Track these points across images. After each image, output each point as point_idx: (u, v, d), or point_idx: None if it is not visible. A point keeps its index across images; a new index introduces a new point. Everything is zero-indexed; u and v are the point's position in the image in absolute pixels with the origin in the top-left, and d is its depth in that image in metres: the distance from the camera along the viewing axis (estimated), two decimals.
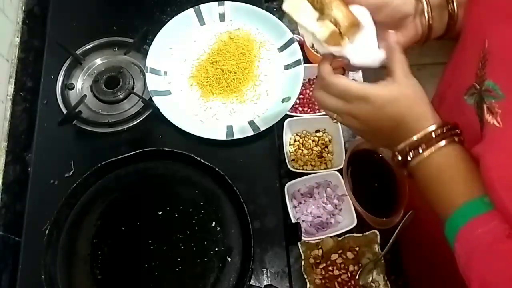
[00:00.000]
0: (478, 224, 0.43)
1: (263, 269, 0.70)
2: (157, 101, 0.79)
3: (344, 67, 0.56)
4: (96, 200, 0.72)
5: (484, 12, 0.48)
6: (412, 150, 0.48)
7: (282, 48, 0.87)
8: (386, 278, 0.72)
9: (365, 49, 0.52)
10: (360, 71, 0.91)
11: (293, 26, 0.94)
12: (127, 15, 0.90)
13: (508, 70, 0.43)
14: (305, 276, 0.70)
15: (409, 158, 0.49)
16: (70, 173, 0.76)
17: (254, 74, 0.85)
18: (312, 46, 0.84)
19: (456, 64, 0.60)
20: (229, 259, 0.68)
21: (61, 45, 0.82)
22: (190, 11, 0.88)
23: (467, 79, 0.50)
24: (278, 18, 0.88)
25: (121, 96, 0.82)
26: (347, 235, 0.74)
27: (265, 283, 0.70)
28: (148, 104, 0.80)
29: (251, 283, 0.68)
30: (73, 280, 0.67)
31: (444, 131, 0.48)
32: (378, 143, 0.66)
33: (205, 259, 0.68)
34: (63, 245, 0.68)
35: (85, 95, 0.82)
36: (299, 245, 0.72)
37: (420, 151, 0.48)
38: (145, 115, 0.81)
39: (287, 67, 0.85)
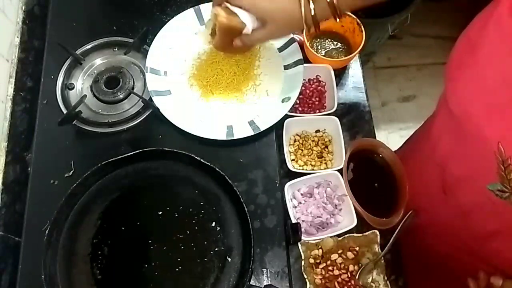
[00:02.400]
0: None
1: (263, 269, 0.70)
2: (157, 101, 0.79)
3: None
4: (96, 200, 0.72)
5: (486, 113, 0.51)
6: None
7: (282, 48, 0.87)
8: (386, 278, 0.72)
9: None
10: (360, 72, 0.91)
11: None
12: (127, 15, 0.90)
13: None
14: (305, 276, 0.70)
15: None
16: (70, 173, 0.76)
17: (254, 74, 0.85)
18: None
19: (453, 150, 0.64)
20: (229, 259, 0.68)
21: (61, 45, 0.82)
22: (190, 11, 0.88)
23: (480, 170, 0.56)
24: None
25: (121, 96, 0.82)
26: (347, 235, 0.74)
27: (265, 283, 0.70)
28: (148, 104, 0.80)
29: (251, 283, 0.68)
30: (73, 280, 0.67)
31: None
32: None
33: (205, 259, 0.68)
34: (63, 245, 0.68)
35: (85, 95, 0.82)
36: (299, 245, 0.72)
37: None
38: (145, 115, 0.81)
39: (287, 67, 0.85)
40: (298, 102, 0.86)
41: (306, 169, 0.79)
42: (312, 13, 0.62)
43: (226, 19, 0.67)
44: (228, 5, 0.67)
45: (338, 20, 0.63)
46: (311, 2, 0.62)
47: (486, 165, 0.52)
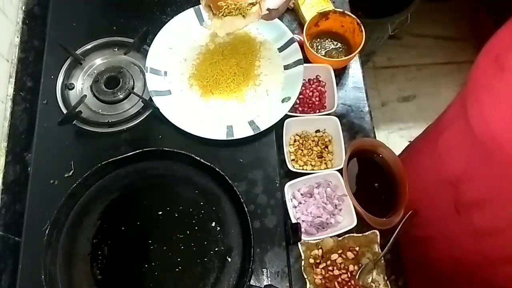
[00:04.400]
0: None
1: (263, 269, 0.70)
2: (157, 101, 0.79)
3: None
4: (96, 200, 0.72)
5: None
6: None
7: (282, 48, 0.87)
8: (386, 278, 0.72)
9: None
10: (360, 72, 0.91)
11: (293, 26, 0.95)
12: (127, 15, 0.90)
13: None
14: (305, 276, 0.70)
15: None
16: (70, 173, 0.76)
17: (254, 74, 0.85)
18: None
19: (470, 171, 0.61)
20: (229, 259, 0.68)
21: (61, 45, 0.82)
22: (190, 11, 0.88)
23: (504, 195, 0.55)
24: (278, 18, 0.88)
25: (121, 96, 0.82)
26: (347, 235, 0.74)
27: (265, 283, 0.70)
28: (148, 104, 0.80)
29: (251, 283, 0.68)
30: (73, 280, 0.67)
31: None
32: None
33: (205, 259, 0.68)
34: (63, 245, 0.68)
35: (85, 95, 0.82)
36: (299, 245, 0.72)
37: None
38: (145, 115, 0.81)
39: (287, 67, 0.85)
40: (298, 102, 0.86)
41: (306, 169, 0.79)
42: None
43: None
44: None
45: None
46: None
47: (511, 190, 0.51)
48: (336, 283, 0.70)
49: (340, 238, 0.73)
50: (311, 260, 0.72)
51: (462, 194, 0.63)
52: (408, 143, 0.95)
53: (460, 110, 0.61)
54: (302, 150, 0.82)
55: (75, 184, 0.69)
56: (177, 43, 0.86)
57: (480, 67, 0.55)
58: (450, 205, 0.66)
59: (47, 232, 0.66)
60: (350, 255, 0.72)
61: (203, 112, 0.82)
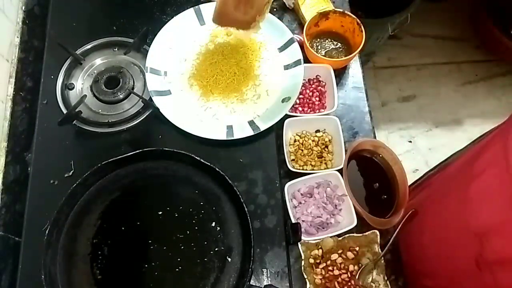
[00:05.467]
0: None
1: (263, 269, 0.70)
2: (157, 101, 0.79)
3: None
4: (96, 200, 0.72)
5: None
6: None
7: (282, 48, 0.87)
8: (386, 278, 0.72)
9: None
10: (360, 72, 0.92)
11: (293, 26, 0.95)
12: (127, 15, 0.90)
13: None
14: (305, 276, 0.70)
15: None
16: (70, 173, 0.76)
17: (254, 74, 0.85)
18: None
19: (502, 225, 0.54)
20: (229, 259, 0.68)
21: (61, 45, 0.82)
22: (190, 11, 0.88)
23: None
24: (278, 18, 0.89)
25: (121, 96, 0.82)
26: (347, 235, 0.74)
27: (265, 283, 0.70)
28: (148, 104, 0.80)
29: (251, 283, 0.68)
30: (73, 280, 0.67)
31: None
32: None
33: (205, 259, 0.68)
34: (63, 245, 0.68)
35: (85, 95, 0.82)
36: (299, 245, 0.72)
37: None
38: (145, 115, 0.81)
39: (287, 67, 0.85)
40: (298, 102, 0.86)
41: (306, 169, 0.79)
42: None
43: None
44: None
45: None
46: None
47: None
48: (336, 283, 0.70)
49: (340, 238, 0.73)
50: (311, 260, 0.72)
51: (487, 249, 0.57)
52: (409, 143, 0.93)
53: (500, 151, 0.54)
54: (302, 150, 0.82)
55: (75, 184, 0.69)
56: (177, 43, 0.86)
57: None
58: (471, 260, 0.59)
59: (47, 232, 0.66)
60: (350, 255, 0.72)
61: (203, 112, 0.82)
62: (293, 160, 0.81)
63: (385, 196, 0.79)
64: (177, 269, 0.67)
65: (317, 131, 0.84)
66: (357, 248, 0.73)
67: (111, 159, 0.72)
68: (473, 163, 0.64)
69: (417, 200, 0.81)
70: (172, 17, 0.87)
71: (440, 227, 0.69)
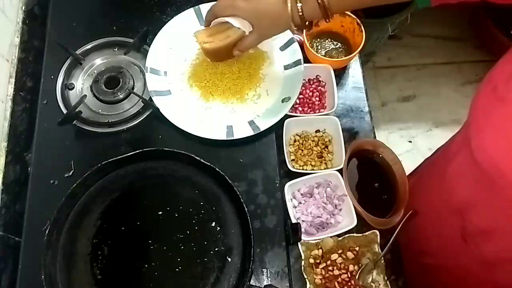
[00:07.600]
0: None
1: (263, 269, 0.70)
2: (157, 101, 0.79)
3: None
4: (96, 200, 0.72)
5: None
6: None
7: (282, 48, 0.87)
8: (386, 278, 0.72)
9: None
10: (360, 72, 0.91)
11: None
12: (127, 15, 0.90)
13: None
14: (305, 276, 0.70)
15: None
16: (70, 173, 0.76)
17: (259, 76, 0.85)
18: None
19: (475, 200, 0.60)
20: (229, 259, 0.68)
21: (61, 45, 0.82)
22: (190, 11, 0.88)
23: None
24: None
25: (121, 96, 0.82)
26: (347, 235, 0.74)
27: (265, 283, 0.70)
28: (148, 104, 0.80)
29: (251, 283, 0.68)
30: (73, 280, 0.67)
31: None
32: (266, 27, 0.69)
33: (205, 259, 0.68)
34: (63, 245, 0.68)
35: (85, 95, 0.82)
36: (299, 245, 0.72)
37: None
38: (145, 115, 0.81)
39: (287, 67, 0.85)
40: (298, 102, 0.86)
41: (306, 169, 0.79)
42: (300, 12, 0.62)
43: (209, 45, 0.73)
44: (219, 19, 0.70)
45: (327, 21, 0.63)
46: (298, 1, 0.61)
47: None
48: (336, 283, 0.70)
49: (340, 238, 0.73)
50: (311, 260, 0.72)
51: (468, 223, 0.62)
52: (409, 143, 0.95)
53: (464, 140, 0.60)
54: (302, 150, 0.82)
55: (75, 184, 0.69)
56: (177, 43, 0.86)
57: (480, 97, 0.54)
58: (457, 234, 0.65)
59: (47, 232, 0.66)
60: (350, 255, 0.72)
61: (203, 112, 0.82)
62: (293, 160, 0.81)
63: (385, 196, 0.79)
64: (177, 269, 0.67)
65: (317, 131, 0.84)
66: (357, 248, 0.73)
67: (111, 159, 0.72)
68: (449, 145, 0.71)
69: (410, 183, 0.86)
70: (172, 17, 0.87)
71: (428, 208, 0.74)
